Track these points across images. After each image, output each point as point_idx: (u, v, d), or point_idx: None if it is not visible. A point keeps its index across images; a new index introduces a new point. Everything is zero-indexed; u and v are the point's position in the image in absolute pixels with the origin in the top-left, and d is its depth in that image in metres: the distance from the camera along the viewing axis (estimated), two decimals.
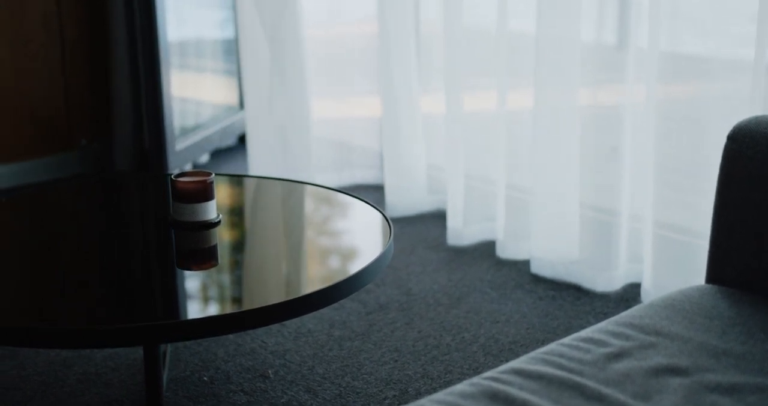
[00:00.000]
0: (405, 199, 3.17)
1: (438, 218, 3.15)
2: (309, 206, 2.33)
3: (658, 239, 2.49)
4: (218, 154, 3.87)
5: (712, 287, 1.63)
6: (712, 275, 1.67)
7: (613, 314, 2.03)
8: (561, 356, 1.41)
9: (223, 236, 2.01)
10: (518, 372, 1.37)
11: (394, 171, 3.16)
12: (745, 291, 1.62)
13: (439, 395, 1.33)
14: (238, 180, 2.46)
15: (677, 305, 1.55)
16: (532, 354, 1.43)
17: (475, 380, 1.36)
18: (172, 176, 1.96)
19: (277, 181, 2.43)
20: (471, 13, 2.87)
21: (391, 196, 3.17)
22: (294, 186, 2.42)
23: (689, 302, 1.56)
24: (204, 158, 3.77)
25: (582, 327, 2.30)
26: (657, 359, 1.40)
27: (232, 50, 3.81)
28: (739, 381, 1.34)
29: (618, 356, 1.41)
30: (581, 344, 1.44)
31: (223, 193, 2.28)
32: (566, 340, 1.47)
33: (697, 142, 2.49)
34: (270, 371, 2.22)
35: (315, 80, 3.41)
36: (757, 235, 1.60)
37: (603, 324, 1.51)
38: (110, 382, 2.18)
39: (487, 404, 1.29)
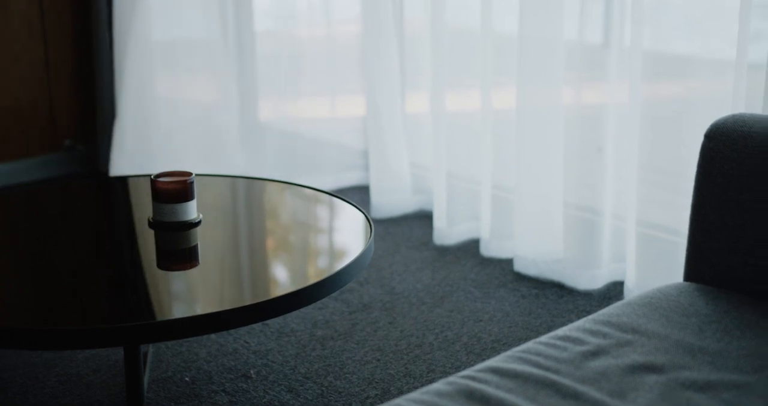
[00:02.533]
0: (390, 200, 3.17)
1: (423, 217, 3.15)
2: (290, 205, 2.32)
3: (641, 238, 2.49)
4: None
5: (690, 285, 1.63)
6: (690, 273, 1.68)
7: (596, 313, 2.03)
8: (538, 354, 1.41)
9: (203, 236, 2.00)
10: (495, 371, 1.37)
11: (380, 171, 3.16)
12: (722, 289, 1.62)
13: (416, 394, 1.33)
14: (220, 180, 2.45)
15: (654, 303, 1.56)
16: (509, 353, 1.43)
17: (452, 378, 1.36)
18: (152, 177, 1.95)
19: (259, 181, 2.42)
20: (455, 12, 2.87)
21: (376, 197, 3.17)
22: (275, 186, 2.42)
23: (666, 299, 1.57)
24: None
25: (564, 325, 2.30)
26: (633, 357, 1.40)
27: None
28: (714, 378, 1.34)
29: (594, 354, 1.41)
30: (558, 343, 1.45)
31: (204, 193, 2.28)
32: (543, 338, 1.47)
33: (680, 142, 2.49)
34: (252, 371, 2.21)
35: (303, 79, 3.42)
36: (734, 233, 1.61)
37: (580, 322, 1.52)
38: (91, 383, 2.18)
39: (464, 402, 1.29)
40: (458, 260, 2.82)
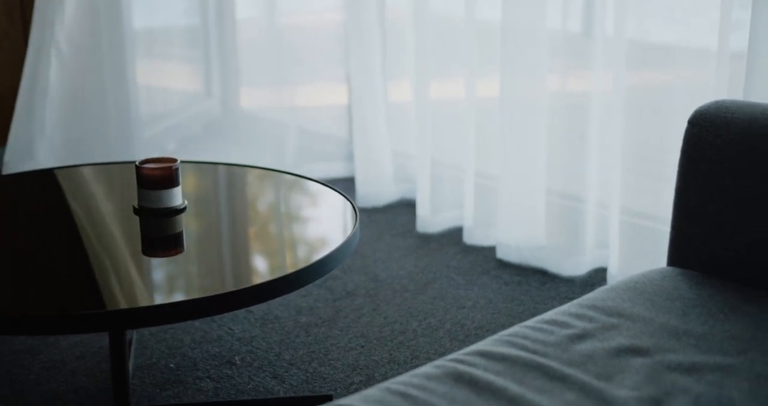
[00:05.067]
0: (374, 189, 3.17)
1: (406, 205, 3.16)
2: (275, 192, 2.33)
3: (624, 225, 2.51)
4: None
5: (674, 270, 1.65)
6: (674, 258, 1.69)
7: None
8: (525, 337, 1.42)
9: (188, 223, 2.00)
10: (482, 354, 1.38)
11: (364, 160, 3.17)
12: (706, 273, 1.64)
13: (404, 377, 1.34)
14: (204, 167, 2.45)
15: (639, 287, 1.57)
16: (496, 336, 1.44)
17: (440, 362, 1.37)
18: (137, 163, 1.95)
19: (244, 168, 2.42)
20: (438, 0, 2.87)
21: (361, 185, 3.17)
22: (260, 173, 2.42)
23: (651, 284, 1.58)
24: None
25: (547, 312, 2.32)
26: (619, 340, 1.41)
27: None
28: (699, 361, 1.36)
29: (581, 337, 1.43)
30: (545, 326, 1.46)
31: (189, 180, 2.28)
32: (530, 322, 1.48)
33: (664, 130, 2.51)
34: (237, 358, 2.22)
35: (285, 68, 3.41)
36: (716, 218, 1.62)
37: (566, 306, 1.53)
38: (76, 370, 2.17)
39: (452, 385, 1.30)
40: (441, 247, 2.83)
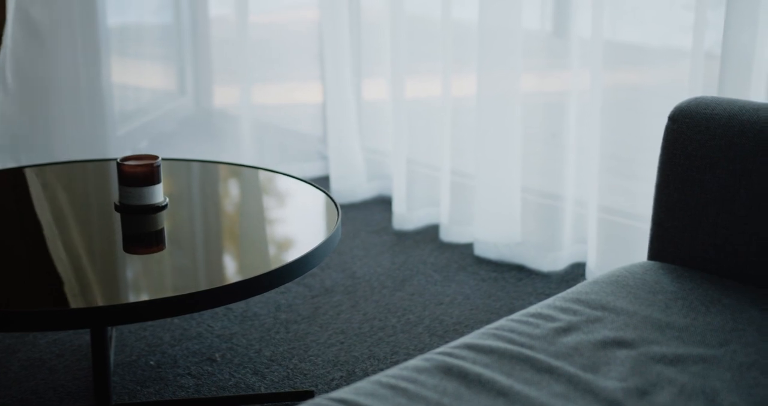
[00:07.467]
0: (350, 186, 3.19)
1: (381, 203, 3.17)
2: (256, 189, 2.33)
3: (602, 222, 2.54)
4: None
5: (655, 264, 1.68)
6: (654, 252, 1.72)
7: (555, 294, 2.07)
8: (511, 331, 1.44)
9: (170, 220, 2.00)
10: (471, 347, 1.39)
11: (339, 158, 3.17)
12: (686, 267, 1.67)
13: (395, 371, 1.35)
14: (184, 164, 2.45)
15: (622, 281, 1.60)
16: (483, 330, 1.46)
17: (429, 355, 1.39)
18: (118, 160, 1.95)
19: (225, 166, 2.42)
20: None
21: (336, 183, 3.18)
22: (241, 170, 2.42)
23: (633, 278, 1.61)
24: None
25: (524, 307, 2.34)
26: (604, 333, 1.44)
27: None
28: (682, 352, 1.39)
29: (566, 330, 1.45)
30: (530, 320, 1.48)
31: (169, 177, 2.27)
32: (516, 315, 1.50)
33: (640, 128, 2.54)
34: (217, 355, 2.22)
35: (259, 66, 3.41)
36: (696, 213, 1.65)
37: (551, 300, 1.55)
38: (55, 368, 2.17)
39: (441, 378, 1.32)
40: (417, 244, 2.85)
